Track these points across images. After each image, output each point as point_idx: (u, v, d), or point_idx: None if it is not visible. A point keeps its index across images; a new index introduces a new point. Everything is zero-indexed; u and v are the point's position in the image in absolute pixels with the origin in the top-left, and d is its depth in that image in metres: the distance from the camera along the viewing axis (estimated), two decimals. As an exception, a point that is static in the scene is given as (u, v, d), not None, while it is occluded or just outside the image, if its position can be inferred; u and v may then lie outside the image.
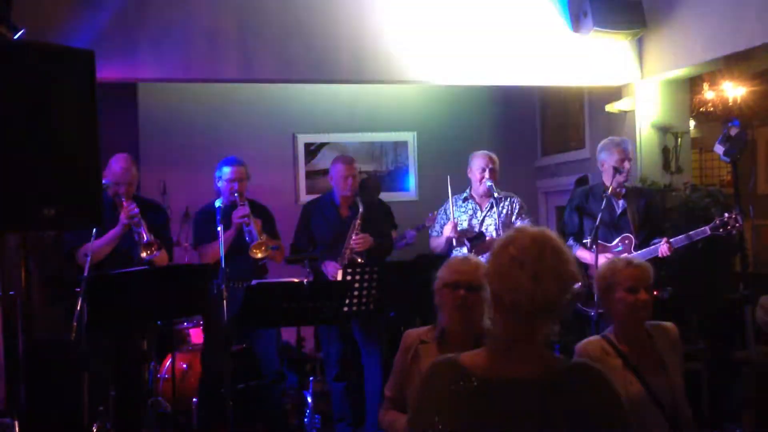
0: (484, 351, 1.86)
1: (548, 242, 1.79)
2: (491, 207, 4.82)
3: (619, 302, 2.84)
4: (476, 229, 4.84)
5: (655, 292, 2.96)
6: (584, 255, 4.60)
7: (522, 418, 1.73)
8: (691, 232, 4.38)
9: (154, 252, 4.25)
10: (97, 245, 4.02)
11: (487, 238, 4.72)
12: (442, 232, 4.90)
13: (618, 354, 2.82)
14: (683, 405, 2.82)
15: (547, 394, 1.74)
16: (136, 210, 4.28)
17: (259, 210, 4.79)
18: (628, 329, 2.87)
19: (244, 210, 4.60)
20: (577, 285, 1.81)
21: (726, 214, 4.32)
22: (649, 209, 4.71)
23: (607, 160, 4.66)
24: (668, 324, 2.96)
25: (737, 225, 4.29)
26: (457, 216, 4.88)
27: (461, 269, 2.80)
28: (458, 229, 4.74)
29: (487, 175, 4.79)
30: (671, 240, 4.39)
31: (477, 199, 4.91)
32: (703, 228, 4.35)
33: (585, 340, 2.95)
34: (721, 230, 4.31)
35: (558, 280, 1.76)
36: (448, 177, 4.90)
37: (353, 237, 4.79)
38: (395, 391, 2.96)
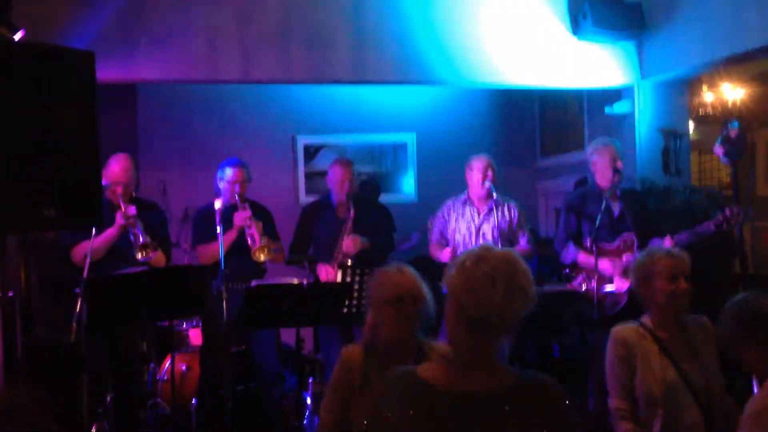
0: (442, 364, 1.90)
1: (518, 263, 1.85)
2: (489, 212, 4.81)
3: (659, 291, 2.91)
4: (473, 235, 4.83)
5: None
6: (584, 258, 4.59)
7: (483, 430, 1.77)
8: (696, 228, 4.37)
9: (150, 254, 4.24)
10: (94, 245, 4.02)
11: None
12: (440, 239, 4.91)
13: (655, 339, 2.90)
14: (722, 395, 2.88)
15: (506, 405, 1.79)
16: (134, 211, 4.27)
17: (258, 211, 4.79)
18: (666, 317, 2.94)
19: (245, 213, 4.60)
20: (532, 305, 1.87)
21: (727, 210, 4.32)
22: (645, 210, 4.72)
23: (599, 161, 4.65)
24: (701, 317, 3.03)
25: (740, 219, 4.29)
26: (454, 220, 4.88)
27: (402, 283, 2.72)
28: (456, 253, 4.74)
29: (487, 177, 4.78)
30: (675, 237, 4.38)
31: (475, 203, 4.90)
32: (707, 223, 4.34)
33: (620, 325, 3.01)
34: (724, 225, 4.31)
35: (524, 299, 1.81)
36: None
37: (343, 242, 4.80)
38: (336, 413, 2.75)
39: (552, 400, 1.84)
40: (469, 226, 4.85)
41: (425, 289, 2.75)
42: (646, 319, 2.99)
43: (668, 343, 2.91)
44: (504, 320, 1.80)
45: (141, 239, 4.23)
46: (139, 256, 4.21)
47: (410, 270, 2.80)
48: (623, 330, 2.97)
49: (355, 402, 2.70)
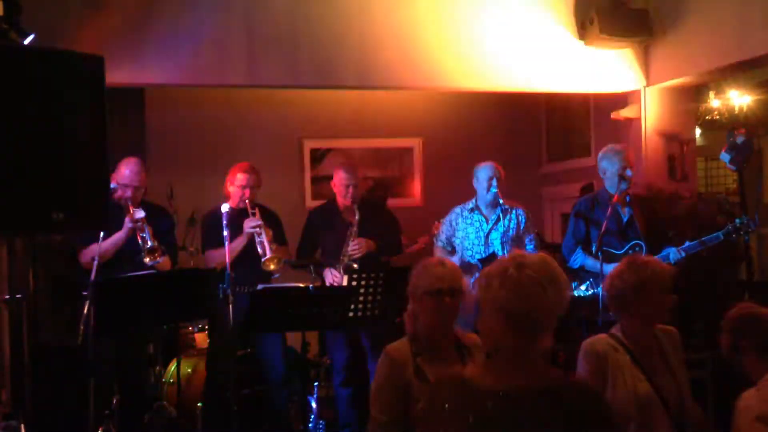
0: (490, 365, 1.96)
1: (555, 266, 1.96)
2: (497, 219, 4.82)
3: (652, 302, 2.87)
4: (482, 244, 4.83)
5: None
6: (593, 265, 4.58)
7: (532, 425, 1.83)
8: (704, 238, 4.36)
9: (158, 258, 4.25)
10: (102, 248, 4.03)
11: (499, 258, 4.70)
12: (447, 245, 4.92)
13: (626, 350, 2.83)
14: (692, 405, 2.86)
15: (547, 405, 1.84)
16: (142, 214, 4.29)
17: (268, 216, 4.80)
18: (639, 328, 2.88)
19: (256, 220, 4.61)
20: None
21: (738, 220, 4.32)
22: (654, 217, 4.71)
23: (609, 168, 4.65)
24: (670, 327, 2.99)
25: (750, 229, 4.28)
26: (462, 228, 4.88)
27: (443, 276, 2.77)
28: (464, 261, 4.74)
29: (494, 185, 4.78)
30: (684, 246, 4.37)
31: (483, 211, 4.90)
32: (716, 233, 4.33)
33: (591, 338, 2.96)
34: (734, 235, 4.31)
35: (564, 300, 1.94)
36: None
37: (350, 244, 4.81)
38: (392, 412, 2.75)
39: (597, 405, 1.92)
40: (477, 233, 4.85)
41: (466, 283, 2.83)
42: (616, 330, 2.91)
43: (639, 355, 2.83)
44: (550, 321, 1.91)
45: (149, 243, 4.25)
46: (147, 260, 4.22)
47: (452, 263, 2.89)
48: (594, 342, 2.89)
49: (413, 393, 2.72)
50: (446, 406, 1.89)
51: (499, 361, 1.93)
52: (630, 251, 4.55)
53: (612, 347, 2.84)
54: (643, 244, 4.51)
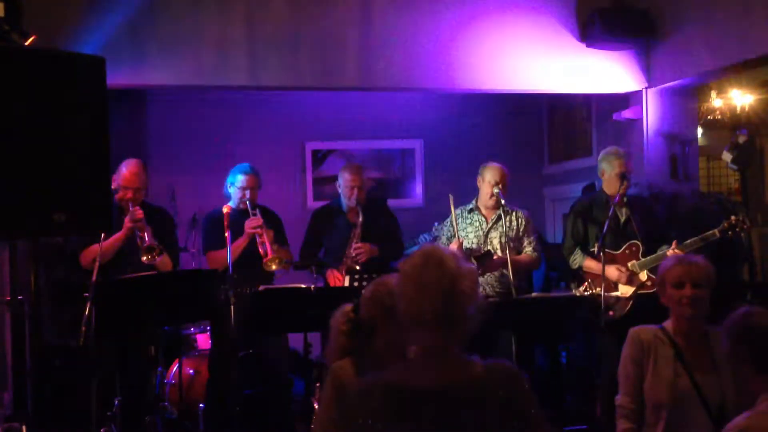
0: (408, 365, 1.98)
1: (432, 257, 1.93)
2: (497, 220, 4.81)
3: (670, 298, 2.94)
4: (481, 243, 4.83)
5: None
6: (591, 265, 4.60)
7: (446, 424, 1.85)
8: (701, 235, 4.36)
9: (155, 257, 4.25)
10: (102, 248, 4.03)
11: (495, 257, 4.69)
12: (446, 244, 4.91)
13: (672, 345, 2.90)
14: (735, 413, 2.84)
15: (475, 397, 1.87)
16: (141, 214, 4.29)
17: (269, 217, 4.79)
18: (682, 325, 2.95)
19: (257, 221, 4.61)
20: (476, 300, 1.94)
21: (733, 217, 4.32)
22: (652, 217, 4.72)
23: (608, 170, 4.68)
24: None
25: (745, 226, 4.29)
26: (462, 228, 4.87)
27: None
28: (464, 247, 4.73)
29: (499, 188, 4.77)
30: (681, 245, 4.37)
31: (483, 211, 4.89)
32: (712, 231, 4.34)
33: (640, 326, 3.03)
34: (729, 233, 4.31)
35: (440, 292, 1.88)
36: (450, 196, 4.87)
37: (353, 246, 4.81)
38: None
39: (516, 386, 1.92)
40: (476, 233, 4.85)
41: None
42: (667, 324, 2.99)
43: (685, 350, 2.90)
44: (423, 316, 1.89)
45: (147, 242, 4.24)
46: (144, 259, 4.21)
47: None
48: (641, 331, 2.98)
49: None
50: (373, 406, 1.89)
51: (422, 361, 1.94)
52: (626, 252, 4.56)
53: (658, 338, 2.93)
54: (639, 244, 4.52)
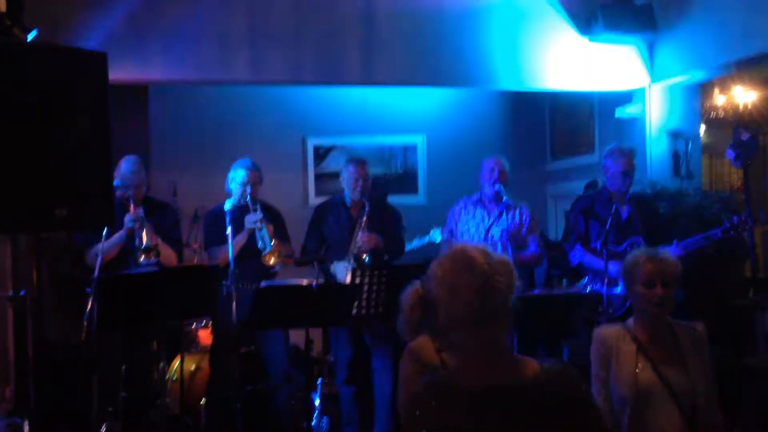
0: (460, 364, 1.95)
1: (460, 259, 1.92)
2: (500, 215, 4.81)
3: (636, 295, 2.92)
4: (481, 239, 4.83)
5: None
6: (593, 261, 4.60)
7: (511, 422, 1.81)
8: (703, 234, 4.36)
9: (152, 258, 4.24)
10: (105, 247, 4.03)
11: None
12: (449, 236, 4.91)
13: (633, 340, 2.90)
14: (708, 408, 2.85)
15: (533, 397, 1.83)
16: (140, 213, 4.28)
17: (269, 213, 4.79)
18: (645, 321, 2.94)
19: (257, 215, 4.60)
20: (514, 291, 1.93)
21: (736, 217, 4.32)
22: (654, 215, 4.72)
23: (611, 167, 4.67)
24: (696, 324, 3.00)
25: (747, 227, 4.28)
26: (464, 221, 4.88)
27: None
28: None
29: (495, 177, 4.78)
30: (682, 243, 4.37)
31: (486, 204, 4.90)
32: (714, 230, 4.33)
33: (603, 326, 3.09)
34: (732, 232, 4.30)
35: (497, 281, 1.89)
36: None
37: (359, 235, 4.80)
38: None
39: (574, 389, 1.88)
40: (478, 226, 4.85)
41: None
42: (630, 321, 2.99)
43: (648, 345, 2.89)
44: (476, 312, 1.87)
45: (145, 242, 4.23)
46: (141, 258, 4.21)
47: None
48: (604, 330, 3.00)
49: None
50: (433, 404, 1.86)
51: (476, 360, 1.91)
52: (628, 248, 4.56)
53: (620, 335, 2.93)
54: (641, 241, 4.51)
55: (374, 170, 6.95)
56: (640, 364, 2.85)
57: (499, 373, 1.87)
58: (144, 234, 4.23)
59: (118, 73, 4.54)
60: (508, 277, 1.92)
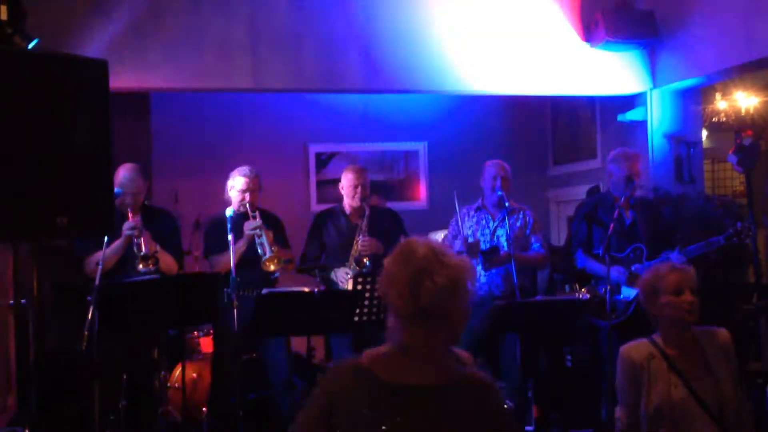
0: (387, 357, 1.95)
1: (420, 244, 1.90)
2: (503, 218, 4.80)
3: (665, 306, 2.89)
4: (488, 241, 4.82)
5: None
6: (595, 267, 4.58)
7: (417, 424, 1.83)
8: (706, 241, 4.34)
9: (151, 266, 4.22)
10: (104, 255, 4.01)
11: (502, 253, 4.67)
12: (452, 242, 4.89)
13: (663, 357, 2.87)
14: (738, 412, 2.83)
15: (444, 403, 1.84)
16: (138, 221, 4.27)
17: (269, 219, 4.78)
18: (674, 333, 2.92)
19: (256, 222, 4.60)
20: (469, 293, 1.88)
21: (739, 224, 4.30)
22: (658, 220, 4.69)
23: (615, 171, 4.65)
24: (719, 329, 2.98)
25: (750, 234, 4.26)
26: (469, 226, 4.87)
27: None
28: (468, 242, 4.71)
29: (498, 183, 4.78)
30: (685, 250, 4.35)
31: (489, 209, 4.89)
32: (717, 237, 4.31)
33: (631, 343, 3.00)
34: (734, 239, 4.28)
35: (432, 277, 1.83)
36: (455, 192, 4.86)
37: (359, 239, 4.79)
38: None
39: (486, 400, 1.88)
40: (483, 230, 4.84)
41: None
42: (656, 337, 2.96)
43: (678, 360, 2.87)
44: (410, 307, 1.84)
45: (143, 250, 4.22)
46: (140, 266, 4.20)
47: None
48: (631, 349, 2.95)
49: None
50: (344, 385, 1.90)
51: (398, 355, 1.91)
52: (631, 254, 4.54)
53: (650, 354, 2.89)
54: (643, 247, 4.50)
55: (376, 176, 6.97)
56: (672, 381, 2.83)
57: (417, 374, 1.87)
58: (142, 242, 4.22)
59: (120, 80, 4.56)
60: (455, 278, 1.84)
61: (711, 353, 2.89)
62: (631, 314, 4.43)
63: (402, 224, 5.33)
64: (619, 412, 2.95)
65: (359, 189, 4.90)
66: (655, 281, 2.92)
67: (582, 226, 4.72)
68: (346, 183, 4.96)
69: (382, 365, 1.91)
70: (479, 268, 4.69)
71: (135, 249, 4.23)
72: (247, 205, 4.66)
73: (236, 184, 4.73)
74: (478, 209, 4.92)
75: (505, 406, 1.92)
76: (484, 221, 4.87)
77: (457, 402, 1.84)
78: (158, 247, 4.32)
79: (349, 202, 4.97)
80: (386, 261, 1.93)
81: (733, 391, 2.85)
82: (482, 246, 4.78)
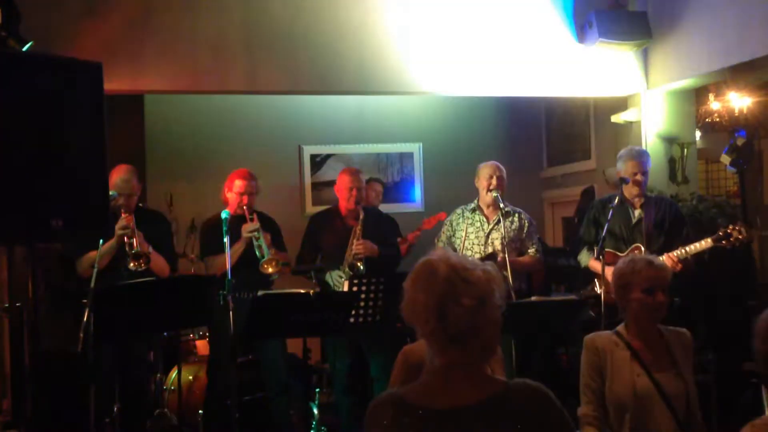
0: (424, 383, 1.84)
1: (440, 265, 1.78)
2: (498, 221, 4.80)
3: (635, 301, 2.89)
4: (483, 243, 4.82)
5: None
6: (596, 265, 4.59)
7: None
8: (694, 244, 4.32)
9: (143, 265, 4.22)
10: (96, 256, 4.01)
11: (498, 259, 4.66)
12: (446, 245, 4.90)
13: (627, 346, 2.88)
14: (695, 409, 2.86)
15: (490, 418, 1.74)
16: (131, 221, 4.27)
17: (266, 222, 4.78)
18: (640, 327, 2.93)
19: (254, 224, 4.60)
20: (500, 300, 1.80)
21: (730, 225, 4.28)
22: (667, 219, 4.61)
23: (620, 170, 4.66)
24: (682, 329, 3.00)
25: (740, 237, 4.22)
26: (463, 228, 4.87)
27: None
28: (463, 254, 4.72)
29: (494, 183, 4.77)
30: (672, 253, 4.34)
31: (485, 211, 4.89)
32: (705, 240, 4.30)
33: (595, 333, 3.03)
34: (723, 242, 4.25)
35: (458, 300, 1.74)
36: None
37: (354, 242, 4.79)
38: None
39: (543, 405, 1.78)
40: (477, 233, 4.84)
41: None
42: (621, 328, 2.97)
43: (642, 351, 2.88)
44: (448, 329, 1.75)
45: (135, 249, 4.22)
46: (131, 265, 4.19)
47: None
48: (596, 337, 2.97)
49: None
50: (385, 423, 1.78)
51: (435, 380, 1.82)
52: (629, 254, 4.54)
53: (613, 342, 2.91)
54: (642, 246, 4.50)
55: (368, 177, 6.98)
56: (635, 371, 2.84)
57: (457, 396, 1.76)
58: (135, 241, 4.22)
59: (114, 83, 4.55)
60: (482, 295, 1.77)
61: (677, 349, 2.90)
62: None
63: (397, 228, 5.33)
64: (580, 409, 2.93)
65: (354, 192, 4.90)
66: (630, 275, 2.90)
67: (590, 228, 4.74)
68: (342, 185, 4.96)
69: (419, 393, 1.81)
70: None
71: (127, 248, 4.23)
72: (245, 207, 4.66)
73: (234, 187, 4.73)
74: (472, 211, 4.92)
75: (558, 406, 1.79)
76: (478, 223, 4.87)
77: (504, 413, 1.75)
78: (151, 249, 4.31)
79: (344, 204, 4.97)
80: (406, 286, 1.83)
81: (694, 388, 2.87)
82: (479, 255, 4.77)
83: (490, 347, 1.82)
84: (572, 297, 4.67)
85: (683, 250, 4.33)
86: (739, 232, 4.22)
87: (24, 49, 3.73)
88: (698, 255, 4.43)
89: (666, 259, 4.31)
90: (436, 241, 5.09)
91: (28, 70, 2.86)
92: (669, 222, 4.60)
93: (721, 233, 4.26)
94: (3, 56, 3.02)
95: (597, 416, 2.87)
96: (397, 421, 1.77)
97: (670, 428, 2.78)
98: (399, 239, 5.63)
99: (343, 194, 4.94)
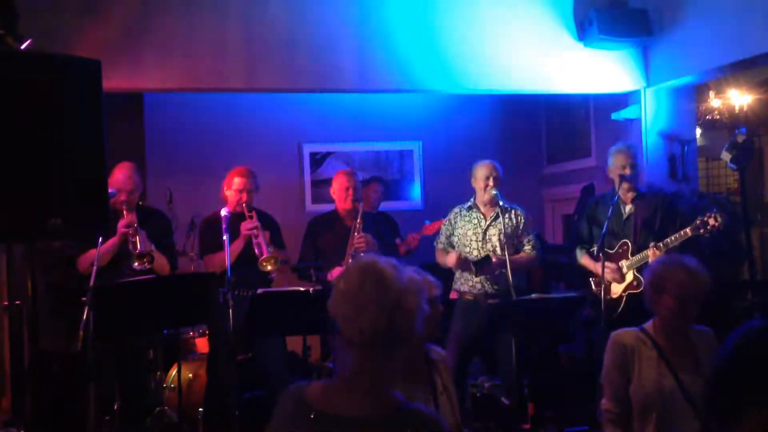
0: (327, 384, 1.86)
1: (370, 272, 1.77)
2: (496, 217, 4.79)
3: (665, 306, 2.86)
4: (480, 240, 4.82)
5: None
6: (588, 263, 4.59)
7: None
8: (676, 234, 4.29)
9: (147, 264, 4.22)
10: (98, 254, 4.01)
11: (494, 260, 4.66)
12: (447, 246, 4.91)
13: (654, 346, 2.88)
14: None
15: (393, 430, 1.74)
16: (134, 219, 4.27)
17: (265, 220, 4.78)
18: (666, 328, 2.92)
19: (253, 222, 4.60)
20: (422, 314, 1.78)
21: (707, 214, 4.22)
22: (659, 213, 4.57)
23: (611, 166, 4.65)
24: (706, 329, 3.00)
25: (715, 224, 4.16)
26: (461, 226, 4.87)
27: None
28: (461, 257, 4.72)
29: (491, 183, 4.77)
30: (657, 245, 4.31)
31: (481, 209, 4.89)
32: (684, 230, 4.26)
33: (621, 330, 2.99)
34: (701, 230, 4.20)
35: (382, 310, 1.73)
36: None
37: (355, 236, 4.79)
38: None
39: (435, 424, 1.79)
40: (475, 231, 4.84)
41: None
42: (648, 326, 2.97)
43: (668, 351, 2.88)
44: (363, 336, 1.73)
45: (139, 247, 4.22)
46: (135, 264, 4.20)
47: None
48: (623, 334, 2.96)
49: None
50: (286, 412, 1.82)
51: (335, 382, 1.83)
52: (619, 250, 4.53)
53: (641, 341, 2.90)
54: (629, 242, 4.48)
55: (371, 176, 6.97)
56: (661, 371, 2.83)
57: (349, 404, 1.77)
58: (138, 240, 4.22)
59: (113, 81, 4.54)
60: (418, 298, 1.77)
61: (701, 350, 2.90)
62: (621, 312, 4.43)
63: (396, 227, 5.33)
64: (603, 402, 2.94)
65: (351, 191, 4.92)
66: (668, 276, 2.86)
67: (582, 223, 4.75)
68: (338, 186, 4.98)
69: (319, 393, 1.82)
70: (471, 275, 4.70)
71: (130, 247, 4.24)
72: (244, 205, 4.66)
73: (233, 184, 4.73)
74: (469, 208, 4.92)
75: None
76: (475, 221, 4.86)
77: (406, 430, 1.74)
78: (153, 246, 4.32)
79: (341, 205, 4.98)
80: (335, 279, 1.86)
81: None
82: (476, 253, 4.77)
83: (403, 361, 1.81)
84: (572, 294, 4.67)
85: (666, 242, 4.30)
86: (715, 219, 4.18)
87: (22, 46, 3.71)
88: (698, 251, 4.42)
89: (650, 252, 4.29)
90: (435, 243, 5.09)
91: (27, 67, 2.85)
92: (662, 215, 4.56)
93: (698, 222, 4.21)
94: (1, 54, 3.01)
95: (619, 413, 2.88)
96: (295, 415, 1.80)
97: (694, 429, 2.77)
98: (398, 241, 5.64)
99: (341, 195, 4.95)
